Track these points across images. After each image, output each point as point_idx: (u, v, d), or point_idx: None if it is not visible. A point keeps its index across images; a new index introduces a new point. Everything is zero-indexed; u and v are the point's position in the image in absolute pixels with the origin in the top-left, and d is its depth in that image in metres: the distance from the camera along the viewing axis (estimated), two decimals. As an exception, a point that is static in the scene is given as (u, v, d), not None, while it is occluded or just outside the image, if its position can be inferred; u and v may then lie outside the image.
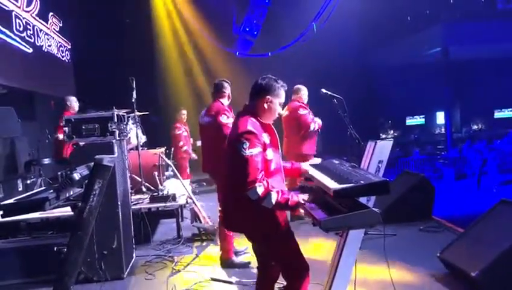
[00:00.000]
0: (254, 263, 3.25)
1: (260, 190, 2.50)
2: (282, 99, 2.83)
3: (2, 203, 3.13)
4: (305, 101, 6.32)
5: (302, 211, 3.27)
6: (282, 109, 6.39)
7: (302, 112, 6.18)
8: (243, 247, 4.89)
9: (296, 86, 6.40)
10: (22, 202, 2.95)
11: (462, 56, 13.58)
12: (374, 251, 4.48)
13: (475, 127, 14.31)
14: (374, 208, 2.33)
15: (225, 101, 4.65)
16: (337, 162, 3.04)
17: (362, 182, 2.37)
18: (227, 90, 4.68)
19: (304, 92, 6.33)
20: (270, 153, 2.70)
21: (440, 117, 15.42)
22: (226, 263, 4.61)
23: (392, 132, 14.45)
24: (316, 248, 5.06)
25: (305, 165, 3.08)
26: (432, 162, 10.44)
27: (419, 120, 16.05)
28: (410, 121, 16.14)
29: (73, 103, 6.94)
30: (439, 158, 10.72)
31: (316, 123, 6.17)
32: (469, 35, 12.87)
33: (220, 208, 4.63)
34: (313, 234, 5.24)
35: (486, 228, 4.04)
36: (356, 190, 2.36)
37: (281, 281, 2.91)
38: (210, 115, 4.59)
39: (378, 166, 3.09)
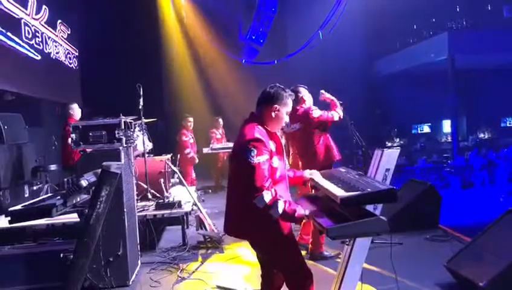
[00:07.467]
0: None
1: (267, 197, 2.51)
2: (289, 108, 2.84)
3: (10, 209, 3.13)
4: None
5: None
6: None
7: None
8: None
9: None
10: (30, 208, 2.96)
11: (468, 64, 13.55)
12: (380, 260, 4.45)
13: (481, 135, 14.23)
14: (381, 216, 2.32)
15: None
16: (343, 170, 3.03)
17: (369, 189, 2.36)
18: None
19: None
20: (275, 161, 2.71)
21: (446, 125, 15.37)
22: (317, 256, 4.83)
23: (398, 140, 14.41)
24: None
25: (307, 173, 3.07)
26: (438, 170, 10.38)
27: (425, 128, 16.00)
28: (417, 130, 16.10)
29: (76, 110, 6.96)
30: (445, 167, 10.66)
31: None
32: (475, 43, 12.85)
33: None
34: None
35: (494, 237, 3.99)
36: (363, 198, 2.35)
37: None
38: None
39: (385, 174, 3.08)
